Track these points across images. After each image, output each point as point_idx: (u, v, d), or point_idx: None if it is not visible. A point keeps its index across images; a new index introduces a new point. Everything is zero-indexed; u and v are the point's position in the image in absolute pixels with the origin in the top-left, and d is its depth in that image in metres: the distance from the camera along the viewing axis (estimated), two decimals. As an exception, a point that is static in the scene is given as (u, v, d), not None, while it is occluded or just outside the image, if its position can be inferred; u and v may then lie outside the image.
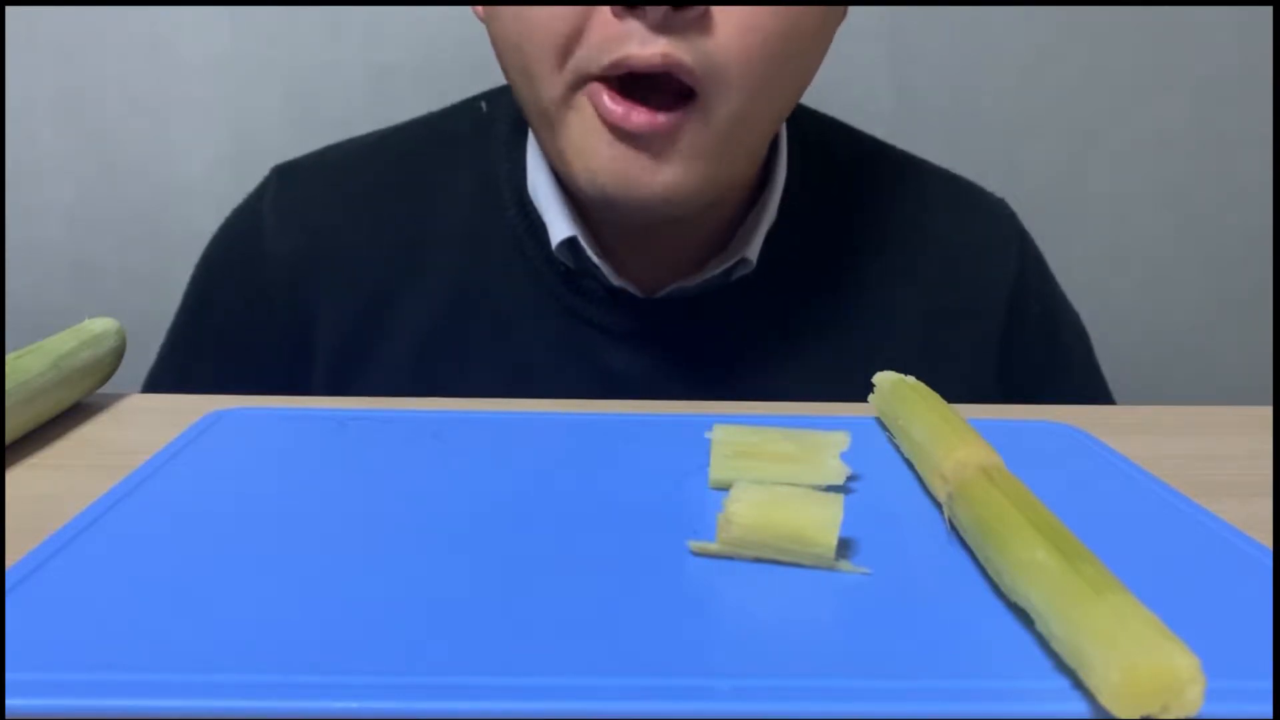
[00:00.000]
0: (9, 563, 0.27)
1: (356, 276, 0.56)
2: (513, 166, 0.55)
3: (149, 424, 0.41)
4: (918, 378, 0.40)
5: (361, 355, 0.55)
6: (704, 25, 0.42)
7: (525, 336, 0.54)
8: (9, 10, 0.82)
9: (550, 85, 0.44)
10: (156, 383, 0.60)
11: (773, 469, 0.33)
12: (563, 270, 0.53)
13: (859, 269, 0.57)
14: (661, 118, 0.42)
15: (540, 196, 0.53)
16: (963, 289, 0.58)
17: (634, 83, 0.43)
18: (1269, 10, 0.87)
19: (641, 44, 0.41)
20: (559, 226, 0.52)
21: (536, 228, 0.54)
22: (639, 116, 0.42)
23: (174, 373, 0.59)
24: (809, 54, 0.47)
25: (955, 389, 0.45)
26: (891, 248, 0.58)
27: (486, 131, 0.57)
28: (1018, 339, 0.59)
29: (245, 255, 0.58)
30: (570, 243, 0.52)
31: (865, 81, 0.87)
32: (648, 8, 0.41)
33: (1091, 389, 0.62)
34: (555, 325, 0.54)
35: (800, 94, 0.49)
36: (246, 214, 0.59)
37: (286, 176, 0.59)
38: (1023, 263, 0.60)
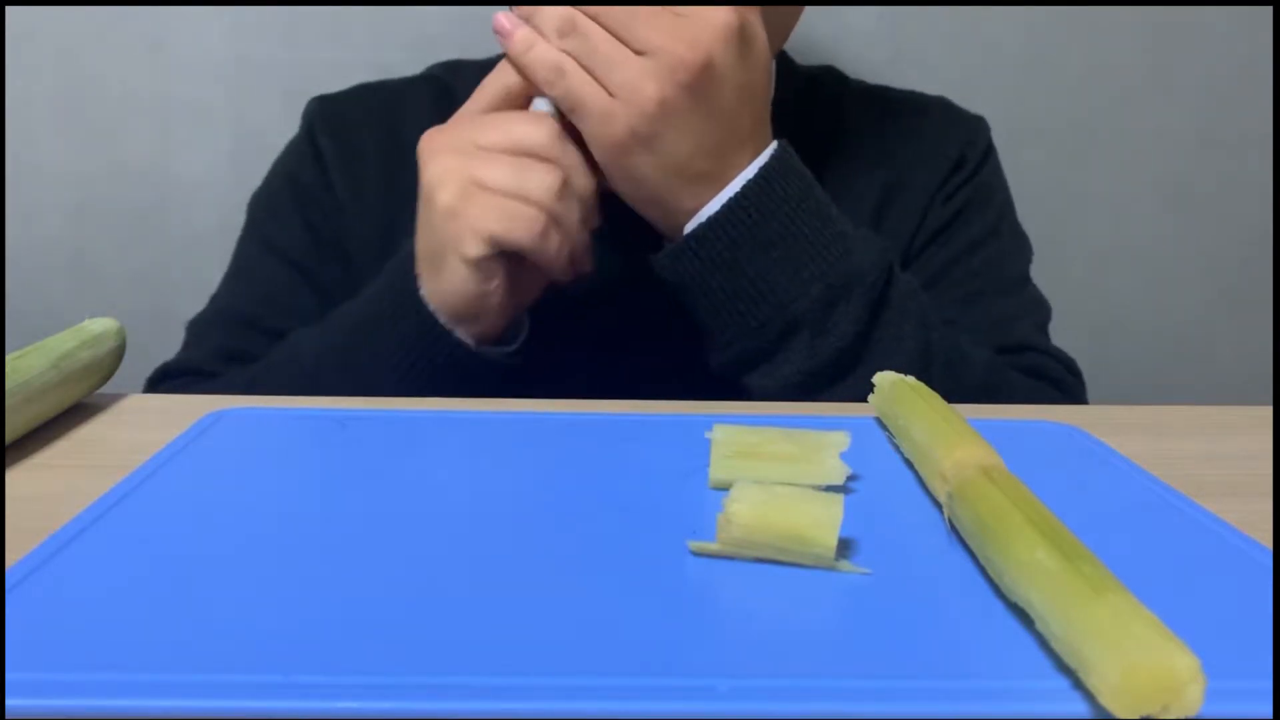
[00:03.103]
0: (9, 563, 0.27)
1: (377, 187, 0.62)
2: None
3: (149, 424, 0.41)
4: None
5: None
6: None
7: None
8: (9, 10, 0.82)
9: None
10: (215, 303, 0.63)
11: (773, 469, 0.33)
12: None
13: (840, 186, 0.58)
14: None
15: None
16: (905, 170, 0.63)
17: None
18: (1269, 10, 0.87)
19: None
20: None
21: None
22: None
23: (236, 279, 0.64)
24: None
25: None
26: (870, 162, 0.62)
27: None
28: (935, 227, 0.62)
29: (295, 161, 0.65)
30: None
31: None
32: None
33: (1015, 310, 0.62)
34: None
35: (785, 31, 0.57)
36: (296, 139, 0.67)
37: (324, 99, 0.67)
38: (963, 153, 0.64)
